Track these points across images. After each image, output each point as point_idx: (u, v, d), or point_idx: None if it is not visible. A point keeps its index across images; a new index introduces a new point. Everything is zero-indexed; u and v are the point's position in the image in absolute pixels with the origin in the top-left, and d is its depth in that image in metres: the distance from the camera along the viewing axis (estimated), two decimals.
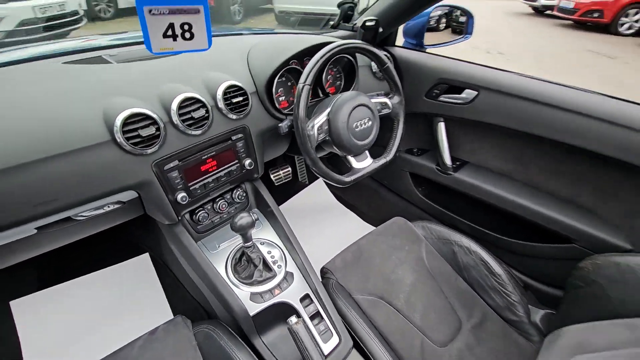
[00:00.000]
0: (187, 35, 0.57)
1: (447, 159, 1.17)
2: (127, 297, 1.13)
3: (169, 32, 0.56)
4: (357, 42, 0.84)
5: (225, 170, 0.85)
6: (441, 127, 1.16)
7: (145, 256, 1.22)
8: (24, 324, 1.00)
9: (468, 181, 1.13)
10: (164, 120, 0.70)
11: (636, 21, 6.63)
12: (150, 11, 0.52)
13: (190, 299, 0.97)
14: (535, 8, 9.34)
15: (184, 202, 0.77)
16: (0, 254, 0.70)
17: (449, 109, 1.13)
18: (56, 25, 4.14)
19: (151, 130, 0.67)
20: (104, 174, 0.65)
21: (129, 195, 0.73)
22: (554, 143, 0.93)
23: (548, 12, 8.68)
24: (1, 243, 0.63)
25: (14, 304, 1.04)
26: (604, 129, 0.84)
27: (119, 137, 0.64)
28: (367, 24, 1.07)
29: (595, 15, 6.80)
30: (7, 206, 0.56)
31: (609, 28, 6.79)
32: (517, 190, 1.05)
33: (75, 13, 4.45)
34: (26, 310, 1.04)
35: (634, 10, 6.56)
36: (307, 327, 0.71)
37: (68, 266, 1.14)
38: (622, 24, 6.71)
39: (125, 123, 0.64)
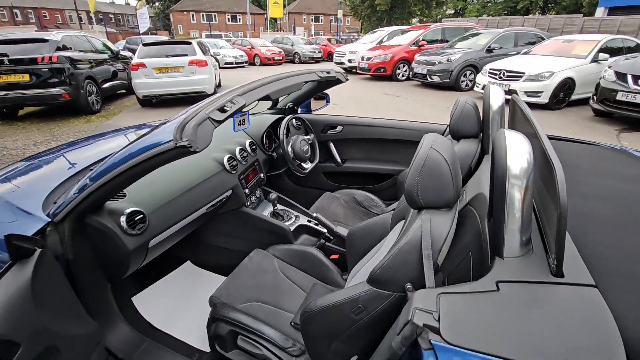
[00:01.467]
0: (244, 123, 1.47)
1: (338, 159, 2.27)
2: (198, 283, 1.71)
3: (239, 123, 1.44)
4: (298, 115, 1.88)
5: (255, 179, 1.70)
6: (332, 145, 2.27)
7: (188, 262, 1.80)
8: (143, 309, 1.47)
9: (350, 166, 2.26)
10: (235, 159, 1.53)
11: (405, 71, 10.11)
12: (235, 116, 1.41)
13: (235, 263, 1.65)
14: (345, 68, 12.65)
15: (248, 194, 1.58)
16: (174, 236, 1.33)
17: (333, 136, 2.26)
18: None
19: (234, 162, 1.50)
20: (222, 183, 1.43)
21: (228, 193, 1.49)
22: (376, 140, 2.16)
23: (354, 70, 11.99)
24: (187, 222, 1.30)
25: (134, 299, 1.49)
26: (392, 130, 2.10)
27: (227, 167, 1.45)
28: (289, 106, 2.13)
29: (382, 70, 9.98)
30: (195, 199, 1.30)
31: (391, 77, 10.07)
32: (371, 162, 2.24)
33: None
34: (139, 301, 1.50)
35: (402, 64, 10.01)
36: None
37: (146, 275, 1.65)
38: (398, 74, 10.10)
39: (228, 160, 1.46)
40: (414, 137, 2.05)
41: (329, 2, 47.39)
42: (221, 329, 1.19)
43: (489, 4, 29.27)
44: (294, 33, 28.72)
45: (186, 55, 6.89)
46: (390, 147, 2.18)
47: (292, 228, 1.69)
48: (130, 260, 1.13)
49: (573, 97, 6.34)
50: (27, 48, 5.86)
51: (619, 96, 5.12)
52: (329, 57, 18.51)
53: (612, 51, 6.43)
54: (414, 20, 27.37)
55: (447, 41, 9.94)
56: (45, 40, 5.98)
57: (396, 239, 0.90)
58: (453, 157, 0.82)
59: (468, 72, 8.03)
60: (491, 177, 0.73)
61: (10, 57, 5.69)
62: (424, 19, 27.29)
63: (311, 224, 1.72)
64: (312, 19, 47.59)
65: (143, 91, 6.71)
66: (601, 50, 6.37)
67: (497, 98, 1.31)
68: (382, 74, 10.00)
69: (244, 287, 1.32)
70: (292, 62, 17.94)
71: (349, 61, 11.90)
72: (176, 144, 0.84)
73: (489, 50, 8.08)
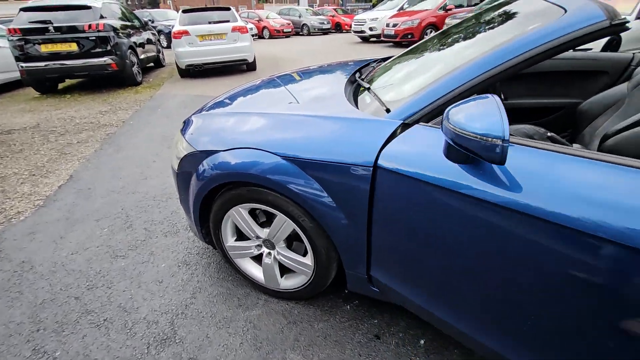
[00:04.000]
0: None
1: (502, 95, 2.32)
2: None
3: None
4: None
5: None
6: None
7: None
8: None
9: (512, 102, 2.31)
10: None
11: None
12: None
13: None
14: (363, 37, 12.43)
15: None
16: None
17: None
18: None
19: None
20: None
21: None
22: (540, 73, 2.20)
23: (372, 39, 11.81)
24: None
25: None
26: (564, 62, 2.15)
27: None
28: None
29: (409, 36, 9.85)
30: None
31: None
32: (535, 97, 2.25)
33: None
34: None
35: (430, 30, 9.90)
36: None
37: None
38: None
39: None
40: (591, 66, 2.11)
41: None
42: None
43: None
44: (298, 4, 27.80)
45: (228, 21, 6.69)
46: (559, 80, 2.23)
47: None
48: None
49: None
50: (70, 15, 5.62)
51: None
52: (336, 27, 18.08)
53: None
54: None
55: (473, 5, 9.83)
56: (89, 7, 5.73)
57: None
58: None
59: None
60: None
61: (54, 25, 5.47)
62: None
63: None
64: None
65: (187, 60, 6.51)
66: None
67: None
68: (409, 40, 9.87)
69: None
70: (300, 34, 17.48)
71: (370, 29, 11.68)
72: (611, 22, 0.88)
73: None
